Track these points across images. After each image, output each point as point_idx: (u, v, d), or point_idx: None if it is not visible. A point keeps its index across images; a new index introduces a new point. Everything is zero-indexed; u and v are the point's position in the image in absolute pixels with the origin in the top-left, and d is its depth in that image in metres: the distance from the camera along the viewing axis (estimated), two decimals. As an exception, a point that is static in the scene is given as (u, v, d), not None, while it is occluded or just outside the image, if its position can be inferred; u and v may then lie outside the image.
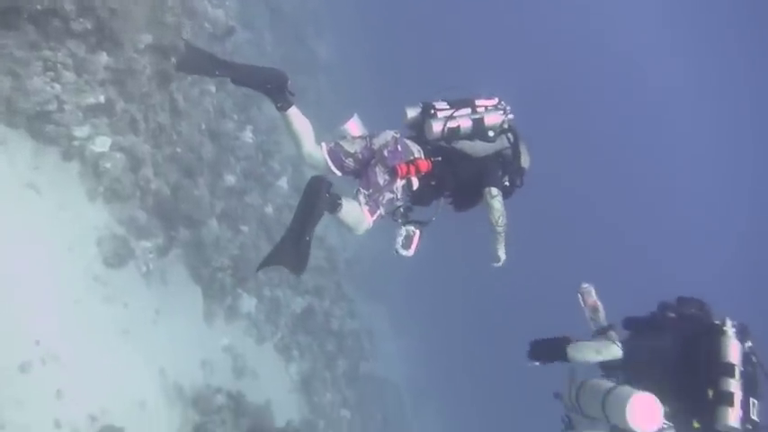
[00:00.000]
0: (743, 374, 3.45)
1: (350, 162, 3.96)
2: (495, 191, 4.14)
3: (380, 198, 3.85)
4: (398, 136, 4.04)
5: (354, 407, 9.27)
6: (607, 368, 3.91)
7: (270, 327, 7.48)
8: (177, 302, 5.82)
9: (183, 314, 5.86)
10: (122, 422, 4.27)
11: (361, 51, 16.86)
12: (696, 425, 3.47)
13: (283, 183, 8.69)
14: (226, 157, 7.06)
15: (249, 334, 7.08)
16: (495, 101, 4.20)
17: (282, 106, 3.86)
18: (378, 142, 4.00)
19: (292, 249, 3.53)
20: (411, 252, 3.96)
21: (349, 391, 9.17)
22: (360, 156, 3.96)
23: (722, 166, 28.63)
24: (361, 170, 3.95)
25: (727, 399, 3.36)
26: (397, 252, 3.92)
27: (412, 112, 4.17)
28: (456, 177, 4.12)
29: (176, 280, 5.97)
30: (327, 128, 4.47)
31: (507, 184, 4.20)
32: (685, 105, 29.30)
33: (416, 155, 4.00)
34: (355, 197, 3.80)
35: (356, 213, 3.75)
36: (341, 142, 3.99)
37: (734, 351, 3.47)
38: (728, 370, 3.42)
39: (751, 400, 3.43)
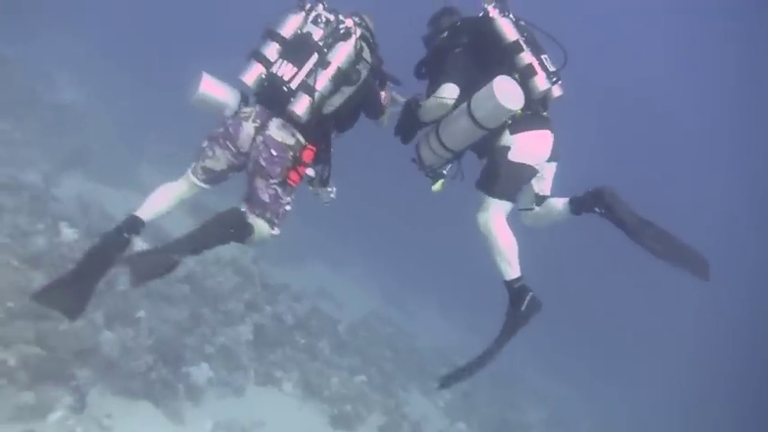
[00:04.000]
0: (526, 42, 3.73)
1: (228, 176, 3.74)
2: (382, 118, 4.09)
3: (280, 210, 3.63)
4: (266, 134, 3.55)
5: (363, 365, 8.97)
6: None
7: (238, 373, 6.86)
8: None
9: (147, 438, 5.17)
10: None
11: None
12: (519, 111, 3.63)
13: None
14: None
15: (224, 395, 6.45)
16: (331, 17, 3.75)
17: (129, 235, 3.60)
18: (243, 144, 3.56)
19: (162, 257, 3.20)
20: (335, 188, 3.83)
21: (348, 359, 8.83)
22: (234, 163, 3.65)
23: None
24: (245, 174, 3.69)
25: (529, 71, 3.67)
26: (329, 203, 3.80)
27: (251, 78, 3.65)
28: (339, 127, 3.90)
29: (116, 414, 5.20)
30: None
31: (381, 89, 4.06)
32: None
33: (293, 144, 3.60)
34: (255, 218, 3.59)
35: (261, 233, 3.59)
36: (206, 165, 3.65)
37: (508, 29, 3.71)
38: (515, 47, 3.69)
39: (542, 57, 3.75)
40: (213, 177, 3.73)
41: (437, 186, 3.96)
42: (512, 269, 3.63)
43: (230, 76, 3.73)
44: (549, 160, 3.85)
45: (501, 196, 3.70)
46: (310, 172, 3.69)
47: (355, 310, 11.52)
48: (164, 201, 3.72)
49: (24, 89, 10.58)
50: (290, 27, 3.67)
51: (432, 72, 3.96)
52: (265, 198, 3.56)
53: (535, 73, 3.68)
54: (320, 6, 3.77)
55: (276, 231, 3.65)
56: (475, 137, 3.65)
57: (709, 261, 3.46)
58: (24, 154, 8.76)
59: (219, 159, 3.66)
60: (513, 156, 3.66)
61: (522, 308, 3.57)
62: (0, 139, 8.83)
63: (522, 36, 3.76)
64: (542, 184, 3.95)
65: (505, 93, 3.39)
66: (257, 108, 3.62)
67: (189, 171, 3.75)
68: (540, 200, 3.97)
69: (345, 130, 3.96)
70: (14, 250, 5.67)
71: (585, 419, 12.88)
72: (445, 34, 4.04)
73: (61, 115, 10.70)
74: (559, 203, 3.91)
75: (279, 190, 3.57)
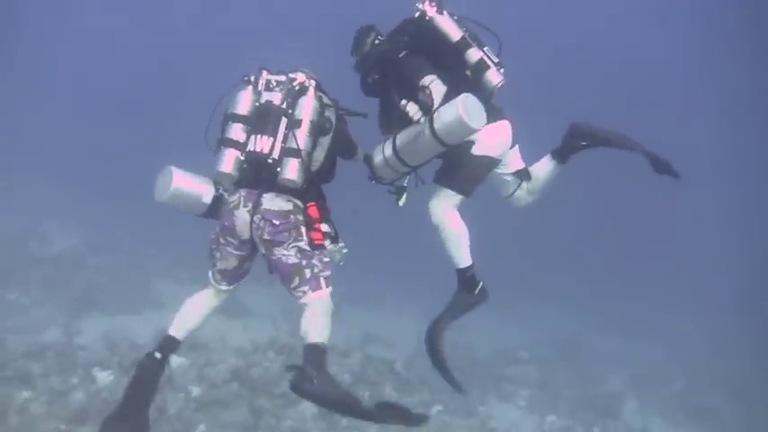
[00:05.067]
0: (473, 38, 3.73)
1: (246, 267, 3.71)
2: (358, 154, 4.03)
3: (315, 263, 3.46)
4: (261, 209, 3.44)
5: (433, 395, 8.73)
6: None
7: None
8: None
9: None
10: None
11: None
12: None
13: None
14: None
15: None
16: (281, 77, 3.68)
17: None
18: (242, 232, 3.46)
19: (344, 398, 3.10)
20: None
21: (417, 395, 8.63)
22: (243, 254, 3.58)
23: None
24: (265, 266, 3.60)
25: (482, 65, 3.70)
26: (342, 260, 3.64)
27: (228, 165, 3.49)
28: (325, 180, 3.80)
29: None
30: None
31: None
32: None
33: (292, 208, 3.49)
34: (306, 296, 3.44)
35: (326, 308, 3.45)
36: (219, 268, 3.64)
37: (451, 27, 3.67)
38: (463, 45, 3.67)
39: (484, 50, 3.75)
40: (232, 276, 3.68)
41: (403, 200, 3.93)
42: (464, 257, 3.80)
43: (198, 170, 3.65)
44: (511, 147, 3.98)
45: (460, 190, 3.76)
46: (325, 228, 3.56)
47: (406, 343, 11.22)
48: (194, 314, 3.70)
49: (18, 253, 10.62)
50: (244, 104, 3.58)
51: (382, 84, 3.85)
52: (293, 260, 3.42)
53: (488, 67, 3.71)
54: (264, 73, 3.69)
55: (330, 288, 3.51)
56: (436, 152, 3.61)
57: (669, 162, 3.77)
58: (38, 315, 8.72)
59: (228, 258, 3.59)
60: (476, 149, 3.71)
61: (475, 292, 3.87)
62: (10, 310, 8.79)
63: (463, 31, 3.73)
64: (510, 166, 4.06)
65: (470, 111, 3.31)
66: (243, 192, 3.52)
67: (210, 281, 3.73)
68: (525, 174, 4.10)
69: (330, 180, 3.88)
70: (57, 414, 5.58)
71: (666, 364, 12.46)
72: (378, 41, 3.95)
73: (60, 265, 10.71)
74: (543, 164, 4.10)
75: (300, 245, 3.44)
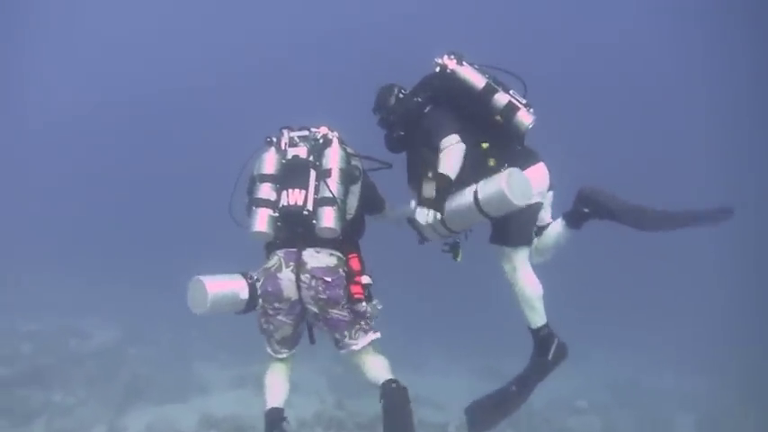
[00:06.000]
0: (497, 83, 3.70)
1: (300, 329, 3.68)
2: (386, 210, 4.14)
3: (365, 316, 3.51)
4: (307, 268, 3.41)
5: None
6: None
7: None
8: None
9: None
10: None
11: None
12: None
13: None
14: None
15: None
16: (304, 132, 3.71)
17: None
18: (290, 293, 3.39)
19: None
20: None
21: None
22: (296, 317, 3.49)
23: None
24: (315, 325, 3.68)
25: (512, 108, 3.63)
26: (377, 317, 3.59)
27: (263, 224, 3.46)
28: (358, 232, 3.84)
29: None
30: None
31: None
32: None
33: (337, 262, 3.47)
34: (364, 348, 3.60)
35: (385, 361, 3.66)
36: (277, 339, 3.62)
37: (474, 76, 3.67)
38: (489, 90, 3.64)
39: (510, 93, 3.71)
40: (293, 341, 3.68)
41: (460, 257, 3.91)
42: (538, 317, 3.72)
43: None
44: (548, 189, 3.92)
45: (520, 243, 3.73)
46: (366, 280, 3.53)
47: (456, 404, 10.82)
48: (279, 387, 3.72)
49: (59, 352, 10.69)
50: (270, 163, 3.61)
51: (408, 140, 3.87)
52: (348, 318, 3.48)
53: (518, 108, 3.66)
54: (286, 132, 3.72)
55: (378, 334, 3.64)
56: (479, 220, 3.62)
57: (726, 207, 3.52)
58: (83, 414, 8.66)
59: (282, 327, 3.56)
60: None
61: (549, 357, 3.75)
62: (56, 411, 8.74)
63: (486, 78, 3.73)
64: (543, 214, 3.97)
65: (514, 187, 3.29)
66: (281, 253, 3.49)
67: (272, 355, 3.70)
68: (540, 228, 3.96)
69: (362, 235, 3.86)
70: None
71: (729, 396, 11.69)
72: (402, 96, 3.98)
73: (102, 359, 10.72)
74: (556, 225, 3.92)
75: (350, 307, 3.48)
